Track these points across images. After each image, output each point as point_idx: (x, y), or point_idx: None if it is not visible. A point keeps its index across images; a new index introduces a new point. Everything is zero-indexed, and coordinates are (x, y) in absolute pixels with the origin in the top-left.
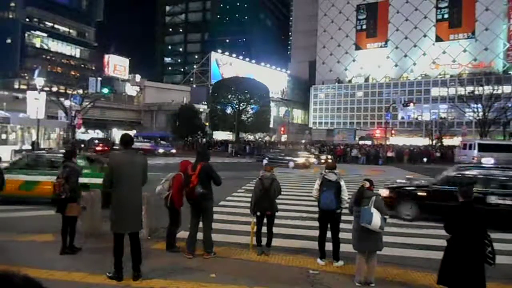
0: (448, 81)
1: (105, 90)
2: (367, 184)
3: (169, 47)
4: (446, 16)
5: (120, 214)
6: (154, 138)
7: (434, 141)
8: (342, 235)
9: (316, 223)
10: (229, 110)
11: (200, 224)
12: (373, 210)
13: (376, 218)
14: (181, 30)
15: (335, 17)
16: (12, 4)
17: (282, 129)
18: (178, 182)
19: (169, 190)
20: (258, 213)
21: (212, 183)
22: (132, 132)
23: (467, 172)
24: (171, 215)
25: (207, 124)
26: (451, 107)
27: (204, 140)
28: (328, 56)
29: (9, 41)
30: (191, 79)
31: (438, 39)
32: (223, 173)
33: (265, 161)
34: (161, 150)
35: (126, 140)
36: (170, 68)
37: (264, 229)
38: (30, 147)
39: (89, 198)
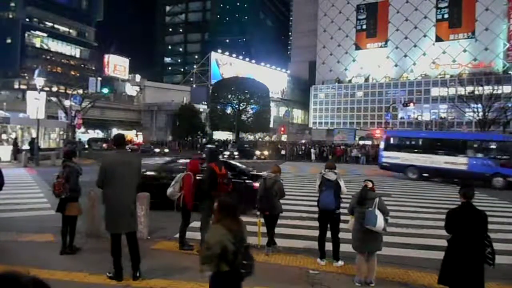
0: (448, 81)
1: (105, 90)
2: (370, 184)
3: (169, 47)
4: (446, 16)
5: (113, 214)
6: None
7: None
8: (342, 235)
9: (316, 223)
10: (229, 110)
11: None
12: (377, 212)
13: (380, 220)
14: (181, 30)
15: (335, 17)
16: (12, 4)
17: (282, 129)
18: (189, 182)
19: (180, 191)
20: (258, 213)
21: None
22: (132, 132)
23: None
24: (184, 216)
25: (207, 124)
26: (451, 107)
27: (204, 140)
28: (328, 56)
29: (9, 41)
30: (191, 79)
31: (438, 39)
32: None
33: None
34: None
35: (119, 140)
36: (170, 68)
37: (264, 229)
38: (25, 147)
39: (90, 198)
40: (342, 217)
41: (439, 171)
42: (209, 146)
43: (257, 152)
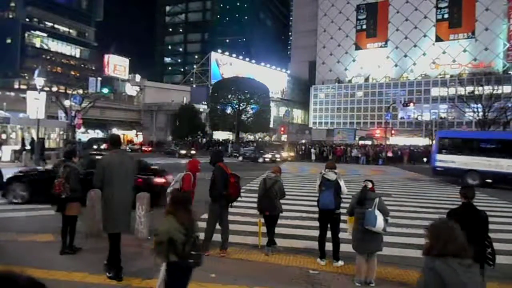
0: (448, 81)
1: (105, 90)
2: (370, 185)
3: (169, 47)
4: (446, 16)
5: (112, 214)
6: None
7: (434, 141)
8: (342, 235)
9: (316, 223)
10: (229, 110)
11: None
12: (377, 212)
13: (380, 221)
14: (181, 30)
15: (335, 17)
16: (12, 4)
17: (282, 129)
18: (188, 182)
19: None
20: (258, 213)
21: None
22: (132, 132)
23: None
24: None
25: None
26: (451, 107)
27: (204, 140)
28: (328, 56)
29: (9, 41)
30: (191, 79)
31: (438, 39)
32: None
33: None
34: None
35: (115, 140)
36: (170, 68)
37: (264, 229)
38: (29, 147)
39: (90, 198)
40: (342, 217)
41: (507, 177)
42: (248, 146)
43: (284, 154)
